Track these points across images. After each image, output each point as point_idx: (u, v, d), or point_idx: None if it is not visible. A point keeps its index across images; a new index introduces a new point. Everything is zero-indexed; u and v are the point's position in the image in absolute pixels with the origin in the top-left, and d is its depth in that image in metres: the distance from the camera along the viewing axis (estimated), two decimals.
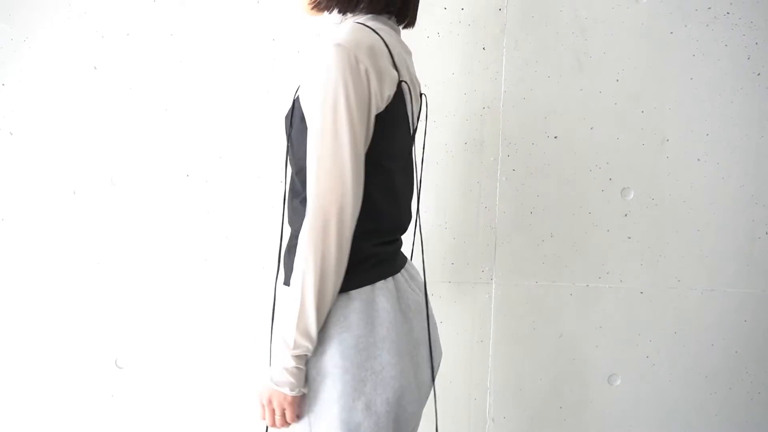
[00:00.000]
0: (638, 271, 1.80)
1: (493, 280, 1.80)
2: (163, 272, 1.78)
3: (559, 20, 1.72)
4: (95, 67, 1.72)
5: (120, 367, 1.81)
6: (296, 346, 1.01)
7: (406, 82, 1.11)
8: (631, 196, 1.78)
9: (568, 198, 1.78)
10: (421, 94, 1.27)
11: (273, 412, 1.06)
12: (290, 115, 1.09)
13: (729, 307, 1.82)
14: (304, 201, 1.07)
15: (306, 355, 1.03)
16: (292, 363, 1.01)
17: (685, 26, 1.72)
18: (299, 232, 1.02)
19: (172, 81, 1.72)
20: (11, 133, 1.73)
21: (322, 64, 0.99)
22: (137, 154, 1.75)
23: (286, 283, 1.10)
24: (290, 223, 1.13)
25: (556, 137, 1.76)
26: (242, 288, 1.78)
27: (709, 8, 1.72)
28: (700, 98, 1.75)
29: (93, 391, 1.81)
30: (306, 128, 1.03)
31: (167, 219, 1.77)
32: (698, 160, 1.77)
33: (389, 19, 1.16)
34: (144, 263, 1.78)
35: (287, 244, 1.12)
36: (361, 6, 1.12)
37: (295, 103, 1.08)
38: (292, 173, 1.12)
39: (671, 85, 1.74)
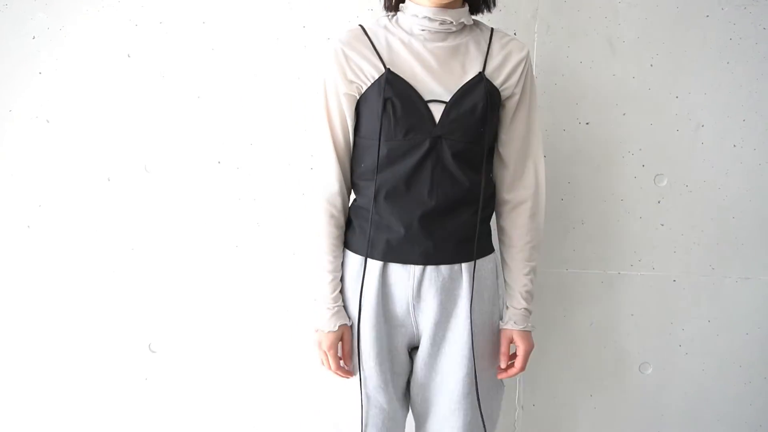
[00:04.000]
0: (671, 258, 1.78)
1: None
2: (195, 258, 1.80)
3: (592, 4, 1.70)
4: (129, 55, 1.74)
5: (153, 351, 1.84)
6: None
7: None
8: (665, 182, 1.75)
9: (600, 185, 1.76)
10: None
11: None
12: (487, 98, 1.25)
13: (765, 295, 1.79)
14: (492, 175, 1.38)
15: None
16: None
17: (722, 9, 1.69)
18: (488, 204, 1.34)
19: (204, 69, 1.74)
20: (48, 121, 1.77)
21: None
22: (170, 142, 1.77)
23: (487, 252, 1.37)
24: (485, 195, 1.31)
25: (587, 123, 1.74)
26: (273, 274, 1.80)
27: None
28: (737, 83, 1.71)
29: (127, 375, 1.85)
30: (497, 113, 1.32)
31: (199, 206, 1.79)
32: (734, 146, 1.74)
33: None
34: (176, 249, 1.80)
35: (482, 217, 1.31)
36: None
37: (490, 87, 1.27)
38: (484, 154, 1.30)
39: (707, 69, 1.71)
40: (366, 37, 1.29)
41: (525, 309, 1.34)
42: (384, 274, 1.31)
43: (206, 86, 1.74)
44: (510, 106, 1.32)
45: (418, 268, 1.29)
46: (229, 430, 1.86)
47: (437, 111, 1.25)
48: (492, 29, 1.34)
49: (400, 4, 1.32)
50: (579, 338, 1.82)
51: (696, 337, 1.81)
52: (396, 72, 1.25)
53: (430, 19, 1.25)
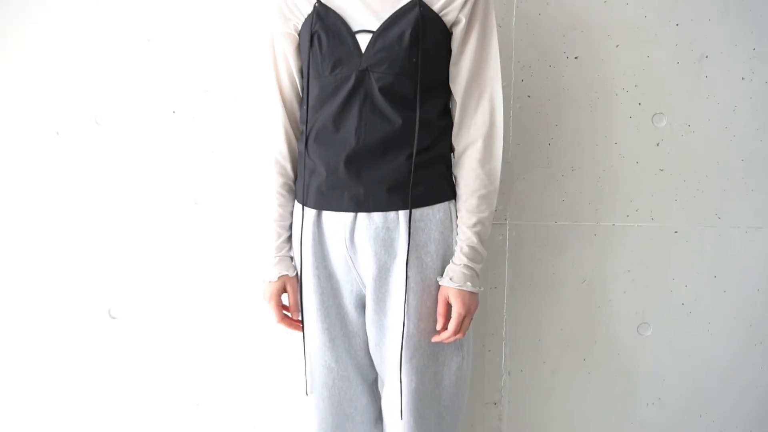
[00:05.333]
0: (672, 207, 1.61)
1: (507, 221, 1.64)
2: (152, 216, 1.67)
3: None
4: None
5: (114, 317, 1.73)
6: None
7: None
8: (664, 122, 1.57)
9: (591, 126, 1.59)
10: None
11: (470, 318, 1.19)
12: (417, 24, 1.13)
13: None
14: (442, 114, 1.21)
15: None
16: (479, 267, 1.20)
17: None
18: (433, 146, 1.19)
19: (155, 10, 1.59)
20: None
21: None
22: (120, 91, 1.63)
23: (435, 200, 1.20)
24: (422, 136, 1.17)
25: (576, 58, 1.56)
26: (235, 230, 1.66)
27: None
28: (745, 6, 1.52)
29: (86, 342, 1.74)
30: (444, 43, 1.18)
31: (154, 159, 1.65)
32: (743, 78, 1.55)
33: None
34: (132, 207, 1.67)
35: (420, 160, 1.17)
36: None
37: (427, 13, 1.14)
38: (417, 89, 1.16)
39: None
40: None
41: (465, 266, 1.18)
42: (318, 223, 1.23)
43: (157, 29, 1.60)
44: (457, 34, 1.18)
45: (349, 215, 1.19)
46: (194, 398, 1.75)
47: (365, 42, 1.15)
48: None
49: None
50: (570, 297, 1.66)
51: (700, 295, 1.64)
52: (327, 4, 1.19)
53: None
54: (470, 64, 1.19)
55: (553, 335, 1.68)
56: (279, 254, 1.28)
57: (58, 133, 1.66)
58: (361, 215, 1.19)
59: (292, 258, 1.29)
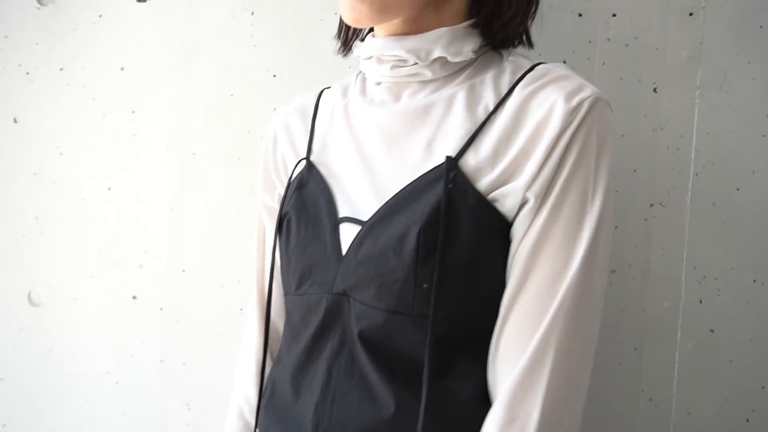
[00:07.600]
0: None
1: None
2: None
3: None
4: None
5: None
6: None
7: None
8: None
9: None
10: None
11: None
12: (440, 221, 0.57)
13: None
14: (475, 354, 0.60)
15: None
16: None
17: None
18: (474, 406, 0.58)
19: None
20: None
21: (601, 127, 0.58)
22: None
23: None
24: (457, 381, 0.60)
25: None
26: None
27: None
28: None
29: None
30: (498, 247, 0.60)
31: None
32: None
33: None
34: None
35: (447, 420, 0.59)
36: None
37: (461, 192, 0.58)
38: (427, 343, 0.57)
39: None
40: (315, 107, 0.75)
41: None
42: None
43: None
44: (521, 226, 0.59)
45: None
46: None
47: (348, 240, 0.63)
48: (535, 66, 0.63)
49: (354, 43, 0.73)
50: None
51: None
52: (319, 166, 0.70)
53: (379, 59, 0.67)
54: (532, 294, 0.58)
55: None
56: None
57: None
58: None
59: None
